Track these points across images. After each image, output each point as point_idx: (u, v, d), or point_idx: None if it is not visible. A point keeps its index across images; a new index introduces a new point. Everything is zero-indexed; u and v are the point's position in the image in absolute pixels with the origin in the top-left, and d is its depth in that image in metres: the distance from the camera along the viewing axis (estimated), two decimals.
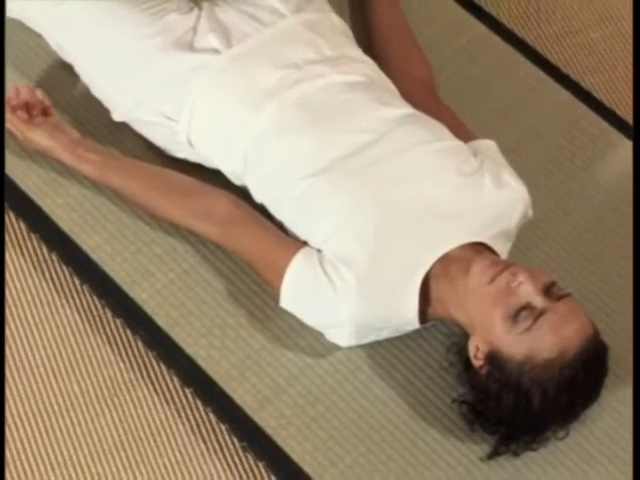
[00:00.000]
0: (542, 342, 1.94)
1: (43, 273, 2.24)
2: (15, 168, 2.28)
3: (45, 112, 2.27)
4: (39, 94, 2.27)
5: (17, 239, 2.27)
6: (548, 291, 1.96)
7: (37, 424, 2.09)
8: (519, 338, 1.95)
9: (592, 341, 1.98)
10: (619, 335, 2.09)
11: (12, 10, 2.41)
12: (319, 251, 2.11)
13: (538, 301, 1.95)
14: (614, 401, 2.09)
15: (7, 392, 2.11)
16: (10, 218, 2.28)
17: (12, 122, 2.25)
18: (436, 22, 2.56)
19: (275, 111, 2.16)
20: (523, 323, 1.94)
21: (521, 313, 1.94)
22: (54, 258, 2.25)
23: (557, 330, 1.94)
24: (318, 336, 2.13)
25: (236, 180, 2.23)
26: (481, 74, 2.50)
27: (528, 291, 1.95)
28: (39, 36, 2.39)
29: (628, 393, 2.11)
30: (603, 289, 2.19)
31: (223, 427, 2.10)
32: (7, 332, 2.18)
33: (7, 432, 2.08)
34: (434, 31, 2.51)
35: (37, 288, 2.22)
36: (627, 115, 2.49)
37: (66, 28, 2.34)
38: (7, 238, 2.26)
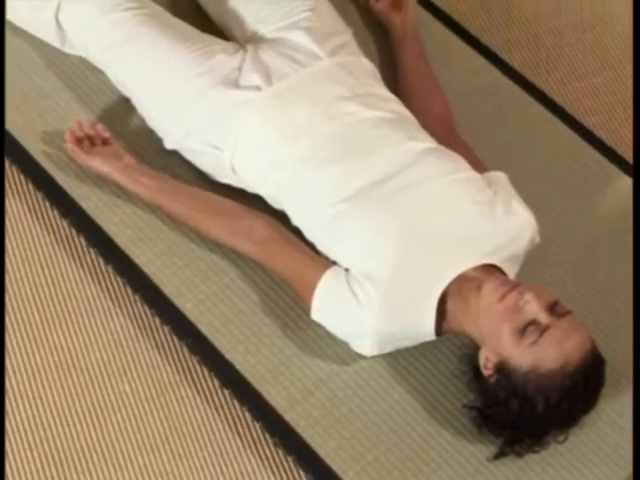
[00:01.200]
0: (546, 354, 1.94)
1: (100, 284, 2.24)
2: (77, 189, 2.28)
3: (105, 142, 2.27)
4: (100, 127, 2.28)
5: (77, 252, 2.27)
6: (552, 309, 1.96)
7: (92, 420, 2.08)
8: (526, 351, 1.94)
9: (591, 354, 1.97)
10: (615, 350, 2.08)
11: (79, 50, 2.41)
12: (346, 269, 2.09)
13: (543, 318, 1.94)
14: (609, 409, 2.09)
15: (66, 391, 2.11)
16: (72, 234, 2.28)
17: (75, 151, 2.26)
18: (455, 65, 2.55)
19: (310, 144, 2.15)
20: (529, 337, 1.94)
21: (528, 328, 1.94)
22: (110, 270, 2.24)
23: (560, 344, 1.94)
24: (344, 346, 2.12)
25: (274, 204, 2.23)
26: (494, 113, 2.50)
27: (534, 309, 1.95)
28: (102, 73, 2.39)
29: (622, 402, 2.11)
30: (601, 308, 2.19)
31: (257, 425, 2.09)
32: (67, 338, 2.16)
33: (65, 427, 2.06)
34: (453, 73, 2.51)
35: (94, 297, 2.22)
36: (625, 153, 2.48)
37: (125, 67, 2.34)
38: (68, 252, 2.26)
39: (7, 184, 2.33)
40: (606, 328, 2.08)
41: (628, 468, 2.06)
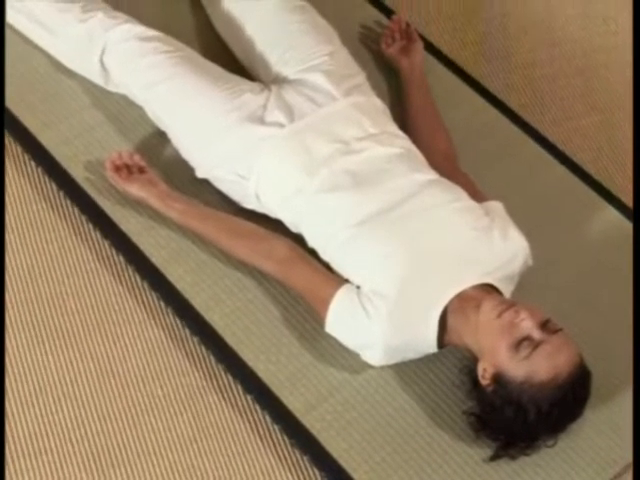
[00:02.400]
0: (538, 367, 1.93)
1: (136, 297, 2.24)
2: (117, 213, 2.29)
3: (141, 170, 2.28)
4: (136, 157, 2.29)
5: (116, 269, 2.27)
6: (544, 326, 1.95)
7: (127, 419, 2.08)
8: (520, 363, 1.94)
9: (579, 368, 1.97)
10: (599, 364, 2.06)
11: (121, 88, 2.43)
12: (358, 286, 2.09)
13: (536, 334, 1.94)
14: (594, 417, 2.08)
15: (105, 393, 2.11)
16: (112, 253, 2.28)
17: (114, 178, 2.27)
18: (459, 106, 2.55)
19: (326, 176, 2.15)
20: (524, 351, 1.93)
21: (522, 343, 1.93)
22: (145, 286, 2.24)
23: (551, 358, 1.93)
24: (355, 356, 2.11)
25: (293, 228, 2.23)
26: (494, 149, 2.49)
27: (528, 326, 1.94)
28: (141, 109, 2.40)
29: (606, 411, 2.10)
30: (590, 325, 2.17)
31: (276, 427, 2.08)
32: (106, 345, 2.17)
33: (103, 426, 2.06)
34: (457, 113, 2.50)
35: (131, 309, 2.22)
36: (611, 186, 2.47)
37: (162, 104, 2.34)
38: (108, 269, 2.27)
39: (55, 209, 2.34)
40: (591, 343, 2.06)
41: (611, 471, 2.06)
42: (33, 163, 2.39)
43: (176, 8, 2.65)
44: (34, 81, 2.47)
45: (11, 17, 2.51)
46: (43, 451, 2.03)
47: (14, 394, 2.09)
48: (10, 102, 2.43)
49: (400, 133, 2.28)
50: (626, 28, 2.81)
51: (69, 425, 2.06)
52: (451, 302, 2.04)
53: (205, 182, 2.31)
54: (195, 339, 2.18)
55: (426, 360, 2.12)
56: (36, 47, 2.50)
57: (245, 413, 2.11)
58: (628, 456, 2.07)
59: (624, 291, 2.28)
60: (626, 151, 2.59)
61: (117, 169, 2.27)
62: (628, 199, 2.44)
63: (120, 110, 2.44)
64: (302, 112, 2.23)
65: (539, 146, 2.52)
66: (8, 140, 2.42)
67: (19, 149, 2.41)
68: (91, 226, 2.31)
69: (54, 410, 2.08)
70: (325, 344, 2.14)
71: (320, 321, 2.12)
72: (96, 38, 2.39)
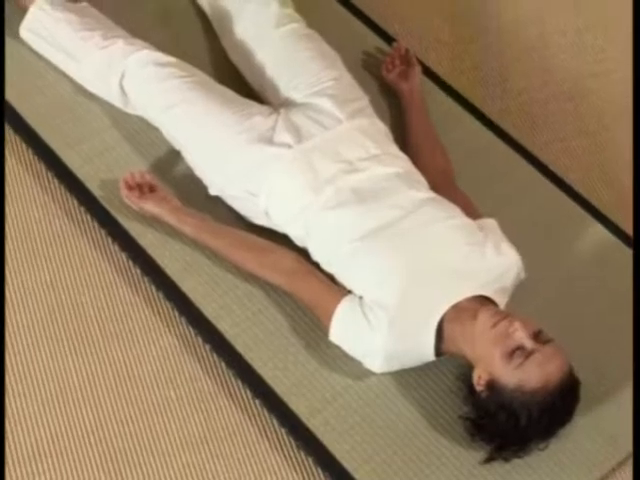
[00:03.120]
0: (530, 375, 1.93)
1: (152, 307, 2.24)
2: (134, 227, 2.29)
3: (152, 188, 2.28)
4: (148, 176, 2.29)
5: (133, 280, 2.27)
6: (536, 336, 1.95)
7: (143, 421, 2.08)
8: (513, 371, 1.93)
9: (568, 377, 1.96)
10: (587, 371, 2.05)
11: (138, 110, 2.43)
12: (360, 297, 2.09)
13: (529, 344, 1.94)
14: (583, 422, 2.07)
15: (121, 397, 2.11)
16: (129, 265, 2.29)
17: (129, 197, 2.27)
18: (456, 129, 2.54)
19: (331, 194, 2.16)
20: (516, 360, 1.93)
21: (515, 352, 1.93)
22: (160, 296, 2.24)
23: (542, 367, 1.93)
24: (357, 363, 2.11)
25: (299, 243, 2.22)
26: (489, 169, 2.48)
27: (521, 336, 1.94)
28: (157, 130, 2.40)
29: (594, 416, 2.10)
30: (578, 337, 2.17)
31: (283, 430, 2.08)
32: (123, 351, 2.17)
33: (120, 428, 2.06)
34: (455, 135, 2.49)
35: (147, 318, 2.22)
36: (598, 204, 2.46)
37: (177, 126, 2.35)
38: (126, 280, 2.27)
39: (76, 224, 2.34)
40: (580, 353, 2.06)
41: (597, 473, 2.06)
42: (56, 181, 2.39)
43: (191, 36, 2.64)
44: (59, 104, 2.48)
45: (38, 45, 2.53)
46: (63, 451, 2.03)
47: (36, 398, 2.09)
48: (36, 123, 2.44)
49: (400, 154, 2.28)
50: (614, 57, 2.81)
51: (88, 427, 2.07)
52: (448, 313, 2.04)
53: (217, 199, 2.32)
54: (207, 346, 2.18)
55: (424, 368, 2.12)
56: (61, 72, 2.51)
57: (254, 416, 2.11)
58: (613, 459, 2.07)
59: (611, 303, 2.29)
60: (613, 171, 2.59)
61: (130, 189, 2.27)
62: (615, 216, 2.43)
63: (138, 131, 2.45)
64: (309, 134, 2.23)
65: (531, 166, 2.51)
66: (33, 158, 2.43)
67: (43, 167, 2.42)
68: (110, 240, 2.32)
69: (74, 412, 2.08)
70: (329, 352, 2.14)
71: (324, 330, 2.12)
72: (116, 64, 2.40)
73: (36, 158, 2.42)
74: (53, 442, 2.04)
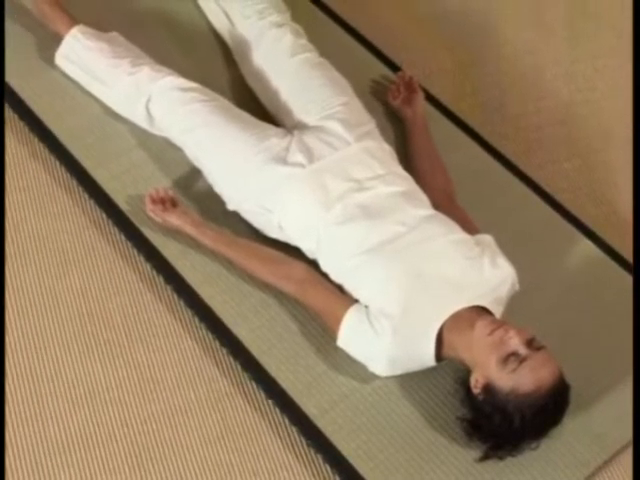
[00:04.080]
0: (524, 380, 1.93)
1: (173, 313, 2.24)
2: (158, 239, 2.29)
3: (174, 203, 2.28)
4: (170, 192, 2.29)
5: (157, 288, 2.27)
6: (530, 343, 1.95)
7: (164, 420, 2.08)
8: (507, 376, 1.93)
9: (559, 381, 1.96)
10: (578, 376, 2.05)
11: (163, 131, 2.43)
12: (366, 306, 2.09)
13: (523, 350, 1.93)
14: (572, 424, 2.07)
15: (145, 396, 2.11)
16: (153, 274, 2.28)
17: (153, 211, 2.28)
18: (457, 151, 2.51)
19: (340, 210, 2.15)
20: (511, 365, 1.93)
21: (510, 358, 1.93)
22: (182, 303, 2.23)
23: (535, 372, 1.93)
24: (363, 368, 2.11)
25: (310, 255, 2.22)
26: (486, 188, 2.47)
27: (516, 343, 1.94)
28: (180, 150, 2.41)
29: (583, 418, 2.10)
30: (568, 344, 2.16)
31: (294, 429, 2.08)
32: (146, 355, 2.16)
33: (142, 426, 2.06)
34: (455, 157, 2.47)
35: (169, 324, 2.22)
36: (587, 221, 2.45)
37: (199, 146, 2.35)
38: (150, 288, 2.27)
39: (104, 235, 2.34)
40: (569, 359, 2.03)
41: (585, 470, 2.05)
42: (87, 195, 2.40)
43: (213, 63, 2.64)
44: (90, 125, 2.49)
45: (71, 70, 2.53)
46: (91, 447, 2.04)
47: (67, 397, 2.10)
48: (69, 143, 2.44)
49: (404, 174, 2.28)
50: (603, 86, 2.80)
51: (114, 425, 2.07)
52: (447, 321, 2.04)
53: (234, 214, 2.32)
54: (224, 350, 2.18)
55: (426, 372, 2.11)
56: (92, 96, 2.52)
57: (267, 415, 2.11)
58: (600, 457, 2.07)
59: (598, 314, 2.29)
60: (601, 191, 2.58)
61: (155, 203, 2.28)
62: (603, 233, 2.43)
63: (162, 150, 2.45)
64: (320, 154, 2.23)
65: (525, 186, 2.50)
66: (66, 175, 2.43)
67: (75, 183, 2.42)
68: (136, 251, 2.32)
69: (101, 411, 2.08)
70: (337, 356, 2.14)
71: (333, 336, 2.12)
72: (142, 88, 2.40)
73: (68, 175, 2.42)
74: (82, 437, 2.04)
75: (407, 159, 2.42)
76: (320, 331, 2.17)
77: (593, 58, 2.88)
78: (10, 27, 2.62)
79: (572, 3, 3.01)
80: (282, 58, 2.47)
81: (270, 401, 2.12)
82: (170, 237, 2.29)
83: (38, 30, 2.60)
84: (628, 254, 2.39)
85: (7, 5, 2.66)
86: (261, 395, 2.13)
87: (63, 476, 1.99)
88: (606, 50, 2.89)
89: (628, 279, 2.34)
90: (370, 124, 2.36)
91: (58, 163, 2.45)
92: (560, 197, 2.49)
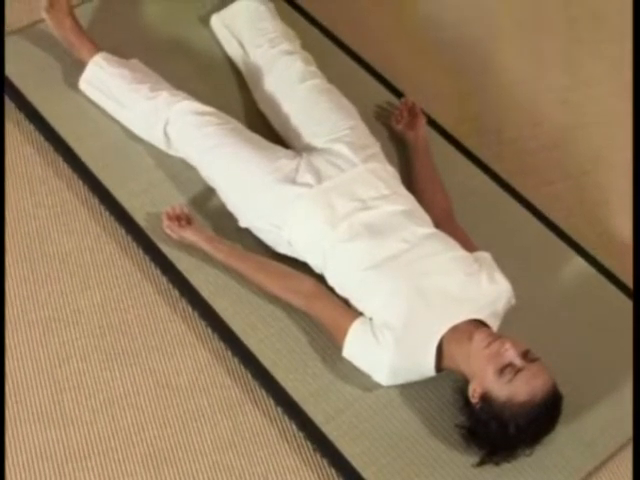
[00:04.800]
0: (519, 390, 1.93)
1: (188, 324, 2.23)
2: (173, 253, 2.29)
3: (189, 220, 2.29)
4: (186, 210, 2.30)
5: (172, 300, 2.27)
6: (525, 355, 1.95)
7: (178, 425, 2.08)
8: (503, 386, 1.94)
9: (552, 391, 1.96)
10: (570, 387, 2.05)
11: (180, 152, 2.44)
12: (370, 319, 2.09)
13: (518, 362, 1.94)
14: (564, 431, 2.07)
15: (160, 403, 2.11)
16: (169, 287, 2.28)
17: (169, 227, 2.28)
18: (456, 171, 2.54)
19: (346, 228, 2.16)
20: (507, 376, 1.93)
21: (506, 369, 1.93)
22: (196, 314, 2.23)
23: (529, 382, 1.93)
24: (367, 377, 2.11)
25: (317, 270, 2.22)
26: (484, 207, 2.47)
27: (511, 355, 1.94)
28: (195, 170, 2.41)
29: (574, 426, 2.09)
30: (561, 356, 2.15)
31: (301, 434, 2.08)
32: (162, 363, 2.16)
33: (158, 430, 2.06)
34: (454, 177, 2.49)
35: (184, 334, 2.22)
36: (579, 239, 2.45)
37: (213, 166, 2.35)
38: (166, 299, 2.27)
39: (123, 249, 2.34)
40: (562, 370, 2.03)
41: (577, 476, 2.05)
42: (107, 213, 2.40)
43: (227, 89, 2.64)
44: (111, 146, 2.49)
45: (94, 95, 2.54)
46: (110, 450, 2.04)
47: (88, 403, 2.10)
48: (91, 163, 2.44)
49: (407, 194, 2.28)
50: (594, 111, 2.80)
51: (131, 429, 2.07)
52: (447, 334, 2.04)
53: (246, 230, 2.32)
54: (235, 359, 2.18)
55: (426, 382, 2.12)
56: (113, 119, 2.53)
57: (275, 422, 2.11)
58: (590, 463, 2.07)
59: (589, 328, 2.28)
60: (593, 210, 2.57)
61: (171, 220, 2.28)
62: (593, 250, 2.42)
63: (178, 170, 2.46)
64: (328, 175, 2.24)
65: (521, 206, 2.50)
66: (88, 194, 2.43)
67: (96, 200, 2.42)
68: (153, 265, 2.32)
69: (120, 416, 2.09)
70: (342, 366, 2.14)
71: (338, 347, 2.12)
72: (161, 112, 2.41)
73: (90, 193, 2.43)
74: (101, 442, 2.05)
75: (409, 180, 2.43)
76: (326, 342, 2.17)
77: (585, 86, 2.88)
78: (38, 55, 2.65)
79: (566, 34, 3.02)
80: (292, 84, 2.47)
81: (279, 408, 2.12)
82: (185, 252, 2.30)
83: (64, 57, 2.63)
84: (618, 271, 2.39)
85: (35, 34, 2.69)
86: (270, 402, 2.13)
87: (81, 476, 1.99)
88: (597, 78, 2.90)
89: (618, 295, 2.35)
90: (375, 147, 2.37)
91: (81, 182, 2.46)
92: (553, 216, 2.50)
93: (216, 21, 2.74)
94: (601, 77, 2.89)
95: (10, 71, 2.60)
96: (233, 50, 2.69)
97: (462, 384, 2.05)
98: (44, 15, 2.59)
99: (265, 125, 2.52)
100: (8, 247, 2.33)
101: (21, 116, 2.55)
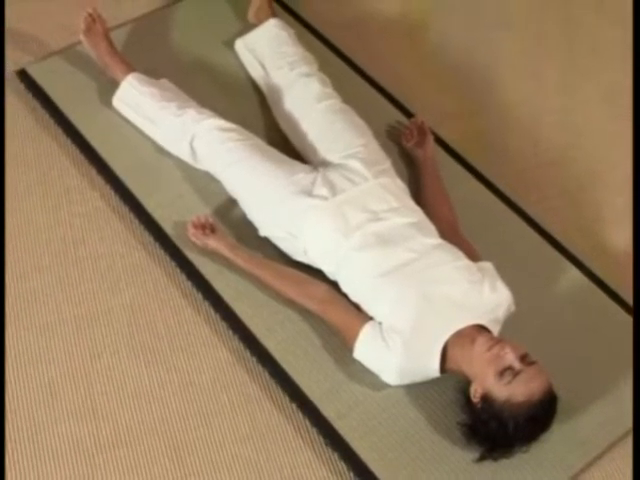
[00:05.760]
0: (517, 391, 1.93)
1: (210, 325, 2.24)
2: (198, 260, 2.30)
3: (212, 229, 2.30)
4: (210, 219, 2.31)
5: (196, 303, 2.27)
6: (523, 359, 1.95)
7: (199, 419, 2.09)
8: (503, 387, 1.94)
9: (548, 392, 1.96)
10: (565, 389, 2.05)
11: (205, 166, 2.43)
12: (380, 323, 2.09)
13: (517, 365, 1.94)
14: (558, 430, 2.06)
15: (183, 398, 2.10)
16: (193, 291, 2.28)
17: (195, 235, 2.29)
18: (460, 186, 2.52)
19: (358, 238, 2.16)
20: (507, 378, 1.94)
21: (506, 372, 1.94)
22: (218, 317, 2.23)
23: (527, 384, 1.93)
24: (376, 377, 2.11)
25: (331, 277, 2.22)
26: (486, 220, 2.45)
27: (511, 358, 1.95)
28: (219, 182, 2.42)
29: (568, 425, 2.08)
30: (557, 360, 2.13)
31: (314, 429, 2.09)
32: (186, 361, 2.16)
33: (181, 424, 2.06)
34: (459, 192, 2.48)
35: (206, 335, 2.21)
36: (575, 251, 2.42)
37: (236, 179, 2.37)
38: (190, 302, 2.26)
39: (152, 256, 2.34)
40: (557, 373, 2.02)
41: (570, 472, 2.05)
42: (137, 221, 2.40)
43: (249, 107, 2.65)
44: (141, 160, 2.51)
45: (126, 111, 2.55)
46: (137, 441, 2.05)
47: (117, 396, 2.11)
48: (123, 174, 2.46)
49: (415, 207, 2.29)
50: (590, 130, 2.79)
51: (157, 422, 2.08)
52: (451, 338, 2.04)
53: (266, 239, 2.33)
54: (254, 359, 2.19)
55: (431, 382, 2.12)
56: (143, 134, 2.54)
57: (290, 418, 2.12)
58: (583, 460, 2.07)
59: (583, 334, 2.27)
60: (589, 225, 2.55)
61: (196, 228, 2.29)
62: (589, 262, 2.41)
63: (203, 182, 2.46)
64: (342, 188, 2.24)
65: (521, 220, 2.49)
66: (120, 203, 2.43)
67: (127, 210, 2.42)
68: (178, 270, 2.33)
69: (146, 410, 2.10)
70: (353, 367, 2.14)
71: (350, 349, 2.13)
72: (188, 128, 2.42)
73: (122, 203, 2.44)
74: (129, 433, 2.06)
75: (418, 194, 2.43)
76: (339, 344, 2.17)
77: (583, 107, 2.87)
78: (76, 75, 2.68)
79: (565, 61, 3.02)
80: (310, 104, 2.49)
81: (294, 405, 2.12)
82: (209, 258, 2.30)
83: (99, 77, 2.66)
84: (611, 281, 2.38)
85: (73, 55, 2.72)
86: (286, 399, 2.13)
87: (111, 466, 2.01)
88: (593, 101, 2.89)
89: (609, 302, 2.33)
90: (386, 163, 2.37)
91: (113, 192, 2.47)
92: (551, 229, 2.49)
93: (240, 45, 2.76)
94: (597, 100, 2.89)
95: (50, 89, 2.64)
96: (255, 71, 2.70)
97: (464, 385, 2.05)
98: (82, 38, 2.63)
99: (284, 141, 2.52)
100: (46, 251, 2.35)
101: (59, 131, 2.59)
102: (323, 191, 2.24)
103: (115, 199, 2.46)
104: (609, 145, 2.75)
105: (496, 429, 1.96)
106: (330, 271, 2.23)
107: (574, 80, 2.95)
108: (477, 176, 2.59)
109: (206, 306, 2.27)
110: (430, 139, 2.58)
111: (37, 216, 2.41)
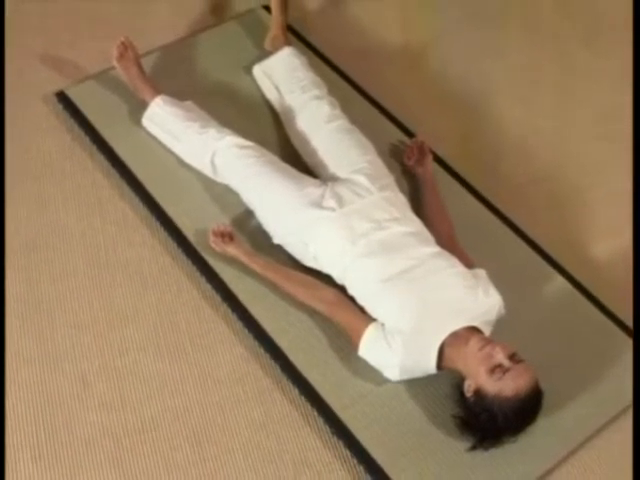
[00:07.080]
0: (506, 386, 1.94)
1: (227, 324, 2.24)
2: (217, 265, 2.31)
3: (231, 237, 2.31)
4: (229, 228, 2.32)
5: (215, 304, 2.27)
6: (512, 357, 1.96)
7: (216, 411, 2.08)
8: (494, 383, 1.95)
9: (535, 388, 1.97)
10: (549, 385, 2.03)
11: (224, 180, 2.45)
12: (382, 324, 2.10)
13: (506, 363, 1.95)
14: (543, 423, 2.05)
15: (201, 391, 2.11)
16: (213, 294, 2.28)
17: (215, 242, 2.30)
18: (457, 202, 2.52)
19: (363, 245, 2.17)
20: (497, 375, 1.95)
21: (496, 369, 1.95)
22: (235, 317, 2.23)
23: (516, 380, 1.94)
24: (379, 373, 2.12)
25: (339, 281, 2.23)
26: (480, 233, 2.46)
27: (501, 357, 1.96)
28: (237, 194, 2.43)
29: (552, 419, 2.08)
30: (542, 359, 2.10)
31: (321, 419, 2.09)
32: (205, 356, 2.16)
33: (199, 415, 2.06)
34: (456, 207, 2.47)
35: (223, 332, 2.24)
36: (562, 262, 2.41)
37: (251, 192, 2.38)
38: (211, 304, 2.27)
39: (175, 260, 2.34)
40: (543, 372, 2.00)
41: (553, 460, 2.05)
42: (162, 228, 2.41)
43: (265, 126, 2.66)
44: (166, 173, 2.53)
45: (153, 129, 2.57)
46: (160, 428, 2.07)
47: (141, 388, 2.13)
48: (149, 186, 2.46)
49: (415, 218, 2.29)
50: (576, 150, 2.78)
51: (179, 411, 2.10)
52: (447, 338, 2.05)
53: (279, 246, 2.34)
54: (268, 355, 2.19)
55: (428, 378, 2.12)
56: (167, 150, 2.56)
57: (300, 408, 2.12)
58: (565, 450, 2.06)
59: (567, 335, 2.27)
60: (575, 236, 2.53)
61: (216, 236, 2.30)
62: (575, 272, 2.39)
63: (223, 194, 2.47)
64: (349, 201, 2.25)
65: (512, 232, 2.48)
66: (147, 212, 2.44)
67: (153, 218, 2.43)
68: (199, 274, 2.33)
69: (169, 400, 2.11)
70: (357, 364, 2.14)
71: (354, 347, 2.13)
72: (209, 145, 2.44)
73: (148, 212, 2.45)
74: (153, 422, 2.07)
75: (418, 208, 2.43)
76: (344, 343, 2.18)
77: (569, 127, 2.86)
78: (109, 96, 2.71)
79: (555, 86, 3.03)
80: (320, 124, 2.50)
81: (303, 397, 2.13)
82: (227, 264, 2.31)
83: (130, 99, 2.69)
84: (595, 288, 2.38)
85: (107, 79, 2.74)
86: (296, 392, 2.14)
87: (138, 450, 2.03)
88: (580, 123, 2.89)
89: (591, 308, 2.33)
90: (389, 178, 2.37)
91: (141, 203, 2.48)
92: (540, 241, 2.48)
93: (257, 70, 2.77)
94: (584, 123, 2.89)
95: (85, 109, 2.67)
96: (271, 94, 2.71)
97: (458, 381, 2.06)
98: (115, 64, 2.66)
99: (296, 157, 2.53)
100: (80, 256, 2.37)
101: (93, 147, 2.62)
102: (331, 203, 2.25)
103: (143, 209, 2.48)
104: (594, 164, 2.74)
105: (487, 421, 1.97)
106: (338, 276, 2.23)
107: (562, 105, 2.95)
108: (473, 192, 2.59)
109: (224, 307, 2.28)
110: (430, 158, 2.58)
111: (72, 224, 2.43)
